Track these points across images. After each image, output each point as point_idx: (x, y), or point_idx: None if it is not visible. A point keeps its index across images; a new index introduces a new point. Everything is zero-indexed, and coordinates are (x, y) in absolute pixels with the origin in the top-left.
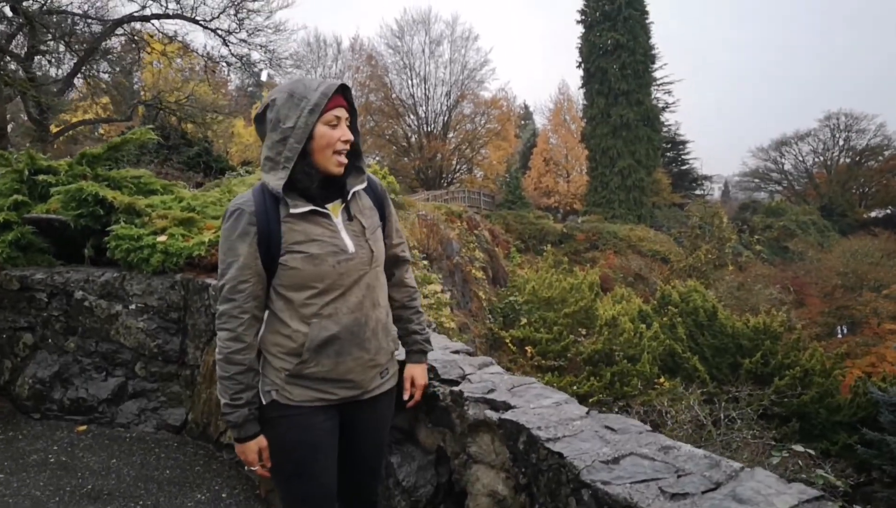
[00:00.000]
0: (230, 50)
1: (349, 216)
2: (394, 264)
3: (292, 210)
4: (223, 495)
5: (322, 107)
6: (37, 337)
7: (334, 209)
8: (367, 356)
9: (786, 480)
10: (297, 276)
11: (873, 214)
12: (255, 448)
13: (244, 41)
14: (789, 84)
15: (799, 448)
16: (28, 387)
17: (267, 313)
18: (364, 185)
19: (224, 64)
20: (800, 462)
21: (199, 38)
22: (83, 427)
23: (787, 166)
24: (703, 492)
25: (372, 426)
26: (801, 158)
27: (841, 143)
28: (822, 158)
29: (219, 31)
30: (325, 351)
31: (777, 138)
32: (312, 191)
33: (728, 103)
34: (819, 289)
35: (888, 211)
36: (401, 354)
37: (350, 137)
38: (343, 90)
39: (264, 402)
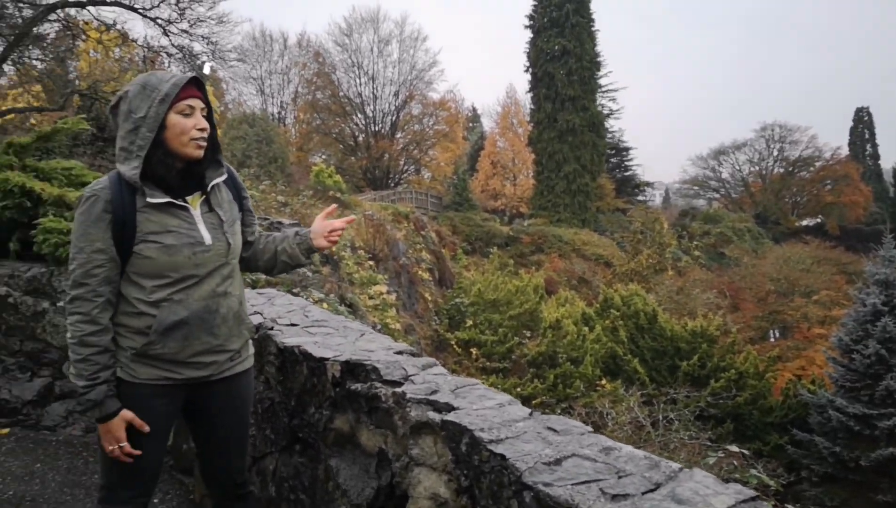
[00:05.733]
0: (171, 41)
1: (208, 208)
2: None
3: (149, 200)
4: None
5: (173, 96)
6: None
7: (193, 202)
8: (215, 341)
9: (723, 481)
10: (150, 265)
11: (804, 222)
12: (120, 425)
13: (185, 32)
14: (727, 93)
15: (734, 448)
16: None
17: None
18: (223, 177)
19: (164, 55)
20: (734, 462)
21: (138, 28)
22: (5, 430)
23: (725, 175)
24: (643, 493)
25: (228, 404)
26: (737, 167)
27: (775, 153)
28: (757, 168)
29: (159, 21)
30: (172, 335)
31: (715, 147)
32: (171, 181)
33: (670, 112)
34: (753, 294)
35: (818, 220)
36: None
37: (205, 125)
38: (196, 83)
39: None
